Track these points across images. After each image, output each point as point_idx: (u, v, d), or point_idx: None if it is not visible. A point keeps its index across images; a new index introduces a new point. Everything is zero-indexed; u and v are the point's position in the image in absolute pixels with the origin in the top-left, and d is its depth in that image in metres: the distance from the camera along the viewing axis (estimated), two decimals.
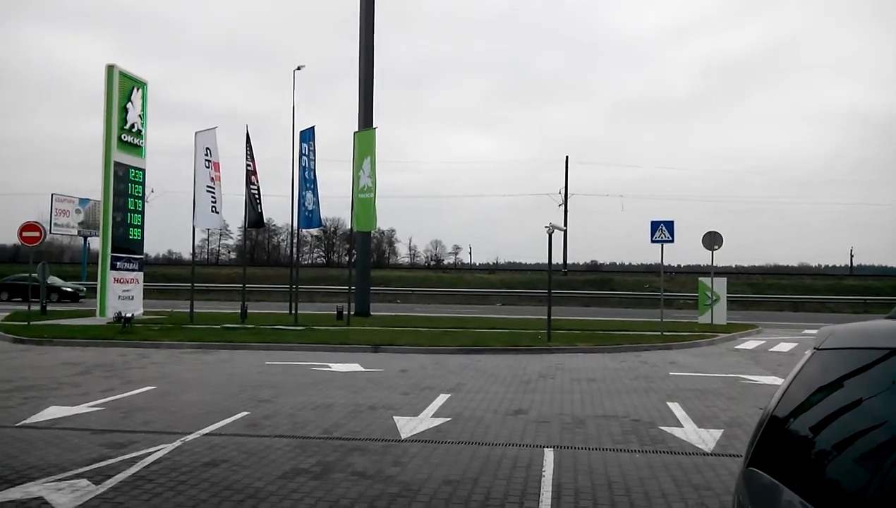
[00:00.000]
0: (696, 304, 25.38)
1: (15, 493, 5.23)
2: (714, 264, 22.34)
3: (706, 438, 7.33)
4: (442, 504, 5.15)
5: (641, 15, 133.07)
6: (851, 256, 73.63)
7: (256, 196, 22.67)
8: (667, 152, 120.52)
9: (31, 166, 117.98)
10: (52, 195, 42.74)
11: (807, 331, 20.95)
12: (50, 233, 41.26)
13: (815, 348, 2.16)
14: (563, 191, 57.25)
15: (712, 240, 22.04)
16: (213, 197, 21.83)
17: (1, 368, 11.93)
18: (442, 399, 9.49)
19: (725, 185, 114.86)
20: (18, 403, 8.89)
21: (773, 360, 14.51)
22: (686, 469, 6.17)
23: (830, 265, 79.64)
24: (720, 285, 23.13)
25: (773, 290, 42.83)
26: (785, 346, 17.20)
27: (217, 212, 22.18)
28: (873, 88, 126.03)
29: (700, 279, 24.14)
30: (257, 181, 22.61)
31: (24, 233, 20.42)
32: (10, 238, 67.50)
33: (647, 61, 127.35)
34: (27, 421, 7.82)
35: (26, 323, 19.23)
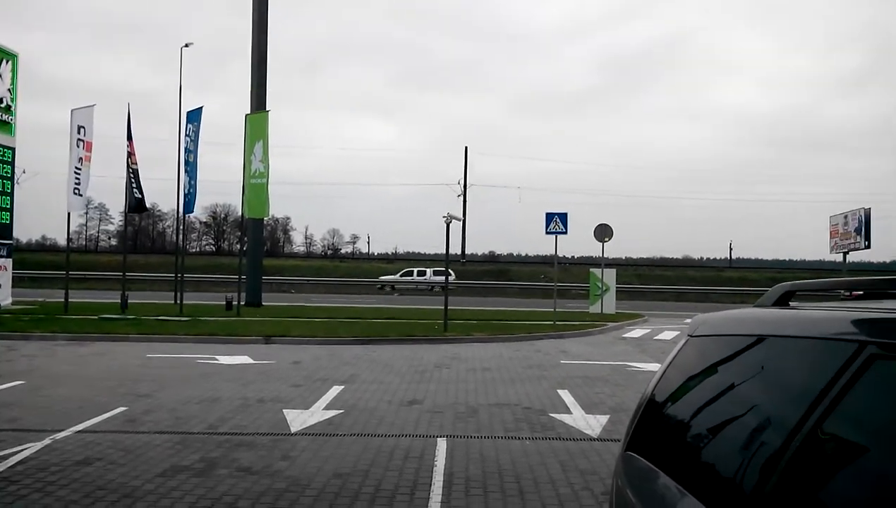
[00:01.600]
0: (587, 294, 26.25)
1: None
2: (604, 255, 23.19)
3: (593, 424, 7.56)
4: (331, 497, 5.04)
5: (542, 7, 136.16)
6: (731, 249, 78.65)
7: (134, 179, 21.41)
8: (564, 146, 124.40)
9: None
10: None
11: (688, 320, 22.10)
12: None
13: (689, 335, 2.21)
14: (461, 182, 57.87)
15: (603, 232, 22.86)
16: (77, 178, 20.38)
17: None
18: (335, 390, 9.33)
19: (617, 179, 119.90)
20: None
21: (658, 348, 15.22)
22: (573, 454, 6.34)
23: (712, 257, 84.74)
24: (610, 276, 24.02)
25: (659, 281, 45.06)
26: (669, 334, 18.08)
27: (79, 195, 20.76)
28: (758, 89, 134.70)
29: (591, 270, 24.97)
30: (135, 163, 21.36)
31: None
32: None
33: (546, 54, 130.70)
34: None
35: None
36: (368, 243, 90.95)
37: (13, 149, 21.41)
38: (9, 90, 21.07)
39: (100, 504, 4.78)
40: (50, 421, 7.20)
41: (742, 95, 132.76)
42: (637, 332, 18.81)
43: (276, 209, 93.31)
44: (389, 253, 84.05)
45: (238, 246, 45.29)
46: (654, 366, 12.02)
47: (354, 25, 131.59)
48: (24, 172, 45.00)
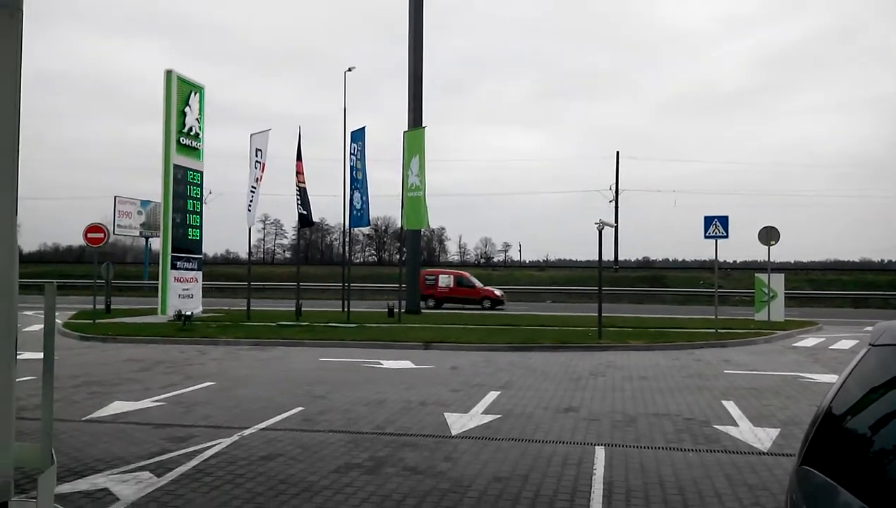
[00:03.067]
0: (752, 301, 24.78)
1: (82, 484, 5.46)
2: (771, 260, 21.78)
3: (762, 437, 7.18)
4: (492, 500, 5.18)
5: (688, 7, 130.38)
6: None
7: (301, 197, 23.05)
8: (719, 147, 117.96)
9: (93, 168, 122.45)
10: (114, 197, 44.24)
11: (868, 328, 20.18)
12: (113, 234, 42.74)
13: (870, 344, 2.12)
14: (613, 187, 56.54)
15: (769, 235, 21.48)
16: (252, 196, 22.31)
17: (68, 365, 12.44)
18: (492, 396, 9.52)
19: (781, 179, 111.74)
20: (85, 398, 9.27)
21: (833, 358, 14.07)
22: (741, 468, 6.06)
23: (894, 260, 76.59)
24: (777, 281, 22.53)
25: (834, 286, 41.45)
26: (846, 344, 16.66)
27: (251, 211, 22.64)
28: None
29: (756, 275, 23.55)
30: (303, 182, 22.99)
31: (89, 235, 21.23)
32: (76, 239, 70.19)
33: (695, 54, 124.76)
34: (93, 416, 8.15)
35: (91, 321, 19.99)
36: (520, 251, 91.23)
37: (201, 173, 23.77)
38: (197, 119, 23.42)
39: (283, 497, 5.22)
40: (237, 419, 7.94)
41: None
42: (810, 341, 17.48)
43: (433, 220, 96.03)
44: (541, 260, 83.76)
45: (398, 256, 47.09)
46: (831, 378, 11.15)
47: (500, 41, 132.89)
48: (210, 193, 49.56)
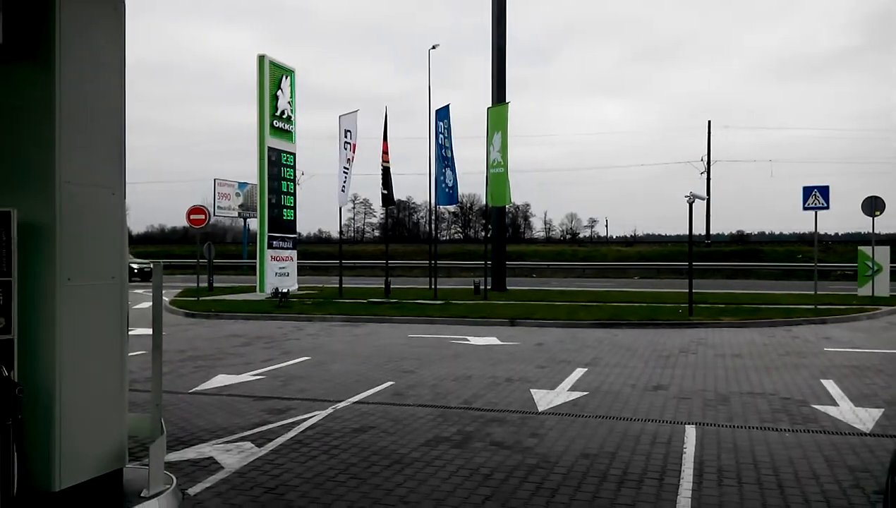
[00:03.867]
0: (854, 275, 23.49)
1: (190, 453, 5.86)
2: (875, 231, 20.56)
3: (864, 417, 6.90)
4: (579, 476, 5.23)
5: None
6: None
7: (385, 176, 23.45)
8: (819, 112, 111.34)
9: (193, 153, 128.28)
10: (214, 180, 46.23)
11: None
12: (214, 215, 44.76)
13: None
14: (704, 159, 54.55)
15: (873, 206, 20.25)
16: (345, 177, 22.85)
17: (175, 340, 13.25)
18: (579, 373, 9.52)
19: (887, 146, 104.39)
20: (191, 371, 9.88)
21: None
22: (840, 449, 5.87)
23: None
24: (882, 254, 21.25)
25: None
26: None
27: (344, 191, 23.17)
28: None
29: (860, 248, 22.29)
30: (387, 162, 23.39)
31: (192, 216, 22.39)
32: (180, 220, 73.90)
33: (788, 15, 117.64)
34: (198, 388, 8.68)
35: (196, 298, 21.14)
36: (606, 226, 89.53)
37: (294, 155, 24.56)
38: (289, 102, 24.14)
39: (375, 468, 5.44)
40: (332, 393, 8.29)
41: None
42: None
43: (517, 196, 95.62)
44: (628, 235, 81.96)
45: (483, 233, 47.20)
46: None
47: (580, 7, 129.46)
48: (302, 174, 51.01)
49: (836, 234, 49.57)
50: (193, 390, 8.55)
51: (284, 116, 23.83)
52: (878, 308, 17.62)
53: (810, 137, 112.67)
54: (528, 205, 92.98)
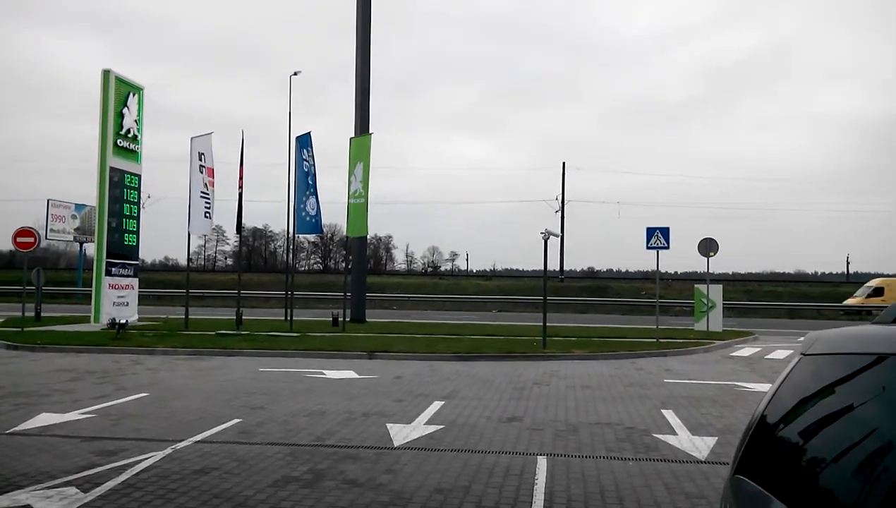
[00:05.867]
0: (692, 311, 25.35)
1: (3, 501, 5.18)
2: (710, 271, 22.34)
3: (700, 446, 7.30)
4: None
5: (634, 17, 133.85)
6: (848, 263, 73.85)
7: (239, 203, 22.63)
8: (663, 158, 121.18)
9: (25, 170, 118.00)
10: (48, 200, 42.62)
11: (801, 338, 20.87)
12: (46, 238, 41.11)
13: (802, 353, 2.13)
14: (559, 197, 57.35)
15: (708, 247, 22.05)
16: (206, 202, 21.76)
17: None
18: (436, 406, 9.45)
19: (722, 192, 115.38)
20: (9, 409, 8.83)
21: (769, 367, 14.49)
22: (679, 477, 6.14)
23: (827, 272, 79.91)
24: (716, 292, 23.12)
25: (770, 297, 42.85)
26: (781, 353, 17.18)
27: (209, 218, 22.10)
28: (868, 95, 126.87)
29: (696, 286, 24.12)
30: (241, 187, 22.58)
31: (19, 239, 20.31)
32: (6, 243, 67.31)
33: (641, 65, 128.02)
34: (18, 428, 7.76)
35: (19, 328, 19.13)
36: (467, 260, 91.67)
37: (139, 176, 23.09)
38: (135, 121, 22.75)
39: None
40: (171, 432, 7.67)
41: (850, 102, 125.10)
42: (746, 351, 17.97)
43: (379, 228, 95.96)
44: (488, 269, 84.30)
45: (343, 264, 46.62)
46: (765, 387, 11.45)
47: (446, 44, 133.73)
48: (148, 197, 48.20)
49: (676, 273, 53.66)
50: (11, 430, 7.66)
51: (130, 135, 22.42)
52: (712, 342, 19.04)
53: (655, 182, 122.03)
54: (390, 236, 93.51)
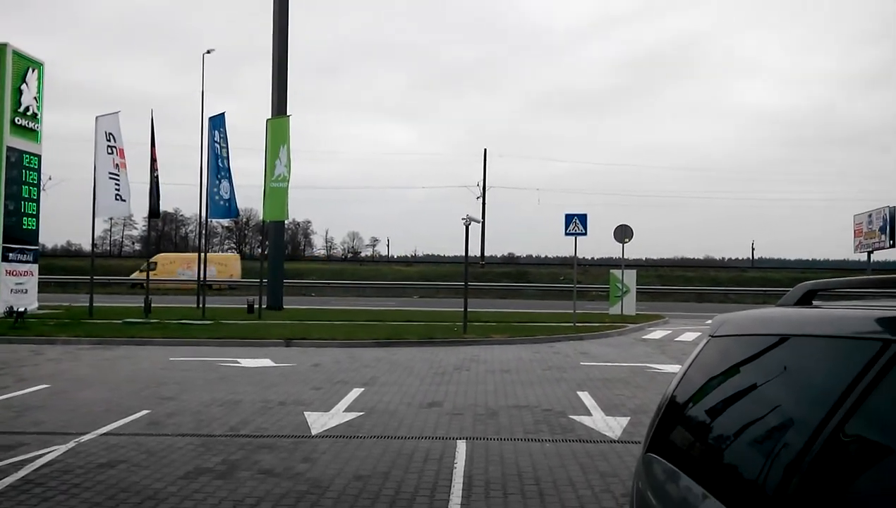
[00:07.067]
0: (607, 296, 26.10)
1: None
2: (625, 257, 23.04)
3: (613, 426, 7.51)
4: (351, 499, 5.05)
5: (557, 7, 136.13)
6: (753, 250, 77.87)
7: (156, 185, 21.73)
8: (583, 146, 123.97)
9: None
10: None
11: (709, 321, 21.82)
12: None
13: (710, 335, 2.19)
14: (480, 184, 57.84)
15: (623, 233, 22.72)
16: (116, 184, 20.74)
17: None
18: (355, 393, 9.36)
19: (638, 180, 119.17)
20: None
21: (678, 349, 15.08)
22: (594, 456, 6.30)
23: (734, 258, 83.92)
24: (630, 277, 23.88)
25: (680, 282, 44.64)
26: (690, 336, 17.92)
27: (123, 201, 21.11)
28: (776, 89, 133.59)
29: (611, 271, 24.83)
30: (157, 169, 21.70)
31: None
32: None
33: (564, 54, 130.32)
34: None
35: None
36: (388, 246, 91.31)
37: (39, 157, 21.79)
38: (35, 98, 21.43)
39: (123, 507, 4.83)
40: (74, 424, 7.29)
41: (761, 95, 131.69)
42: (658, 334, 18.66)
43: (297, 213, 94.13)
44: (409, 255, 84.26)
45: (259, 250, 45.61)
46: (675, 368, 11.87)
47: (373, 27, 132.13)
48: (49, 179, 45.65)
49: (593, 258, 55.07)
50: None
51: (29, 113, 21.12)
52: (626, 325, 19.68)
53: (575, 169, 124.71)
54: (309, 222, 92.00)
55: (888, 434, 1.30)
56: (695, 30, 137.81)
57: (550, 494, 5.22)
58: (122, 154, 20.97)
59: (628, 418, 7.91)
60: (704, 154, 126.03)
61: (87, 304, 20.81)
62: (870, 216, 34.53)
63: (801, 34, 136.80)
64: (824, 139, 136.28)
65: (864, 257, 37.31)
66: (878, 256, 36.40)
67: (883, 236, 33.00)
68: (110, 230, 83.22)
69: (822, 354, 1.61)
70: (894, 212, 32.37)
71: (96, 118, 20.62)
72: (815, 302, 1.97)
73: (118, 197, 20.85)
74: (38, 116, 21.66)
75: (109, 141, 20.63)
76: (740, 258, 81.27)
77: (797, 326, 1.78)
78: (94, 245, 23.11)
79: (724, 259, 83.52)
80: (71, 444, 6.47)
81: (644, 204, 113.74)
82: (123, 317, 19.18)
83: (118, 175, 20.77)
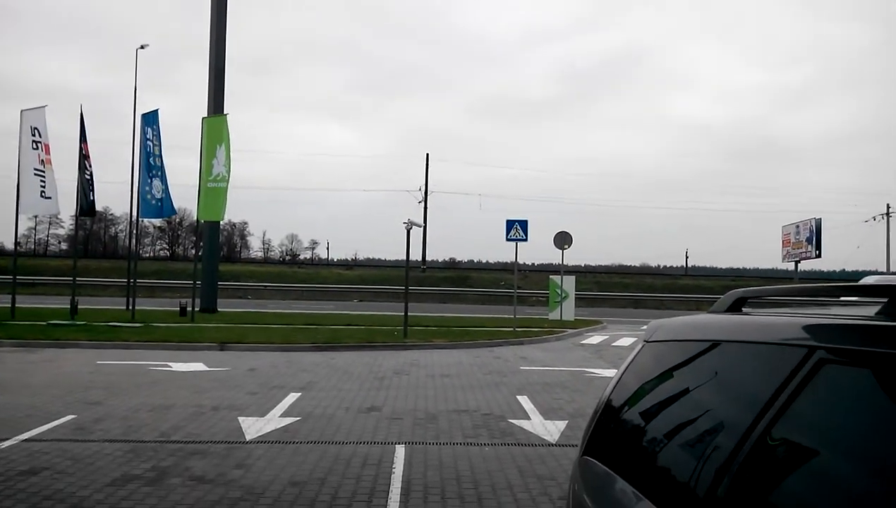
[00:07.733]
0: (547, 301, 26.43)
1: None
2: (564, 263, 23.38)
3: (551, 430, 7.60)
4: (286, 506, 4.96)
5: (501, 16, 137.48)
6: (687, 258, 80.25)
7: (90, 182, 20.95)
8: (524, 153, 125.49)
9: None
10: None
11: (645, 327, 22.38)
12: None
13: (645, 340, 2.23)
14: (422, 188, 57.85)
15: (563, 240, 23.04)
16: (42, 181, 19.85)
17: None
18: (292, 398, 9.20)
19: (577, 188, 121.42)
20: None
21: (615, 354, 15.39)
22: (532, 459, 6.35)
23: (668, 265, 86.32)
24: (569, 283, 24.24)
25: (617, 288, 45.59)
26: (626, 341, 18.31)
27: (48, 198, 20.22)
28: (711, 102, 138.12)
29: (551, 277, 25.16)
30: (90, 166, 20.92)
31: None
32: None
33: (506, 62, 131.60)
34: None
35: None
36: (328, 249, 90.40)
37: None
38: None
39: None
40: None
41: (697, 108, 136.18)
42: (595, 339, 19.00)
43: (234, 214, 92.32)
44: (350, 259, 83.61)
45: (193, 251, 44.51)
46: (612, 372, 12.14)
47: (314, 27, 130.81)
48: None
49: (533, 264, 55.78)
50: None
51: None
52: (564, 330, 19.95)
53: (516, 175, 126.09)
54: (245, 223, 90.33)
55: (812, 437, 1.35)
56: (632, 44, 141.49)
57: (489, 498, 5.24)
58: (47, 149, 20.09)
59: (566, 422, 8.02)
60: (641, 164, 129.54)
61: (10, 305, 19.85)
62: (797, 227, 36.00)
63: (736, 50, 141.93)
64: (756, 153, 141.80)
65: (791, 266, 38.84)
66: (805, 266, 37.97)
67: (810, 247, 34.44)
68: (35, 228, 79.91)
69: (751, 359, 1.65)
70: (820, 224, 33.84)
71: (21, 112, 19.72)
72: (745, 310, 2.02)
73: (43, 194, 19.96)
74: None
75: (35, 136, 19.75)
76: (675, 266, 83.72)
77: (728, 332, 1.83)
78: (16, 243, 22.10)
79: (659, 266, 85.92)
80: None
81: (584, 211, 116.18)
82: (48, 319, 18.39)
83: (44, 171, 19.88)
